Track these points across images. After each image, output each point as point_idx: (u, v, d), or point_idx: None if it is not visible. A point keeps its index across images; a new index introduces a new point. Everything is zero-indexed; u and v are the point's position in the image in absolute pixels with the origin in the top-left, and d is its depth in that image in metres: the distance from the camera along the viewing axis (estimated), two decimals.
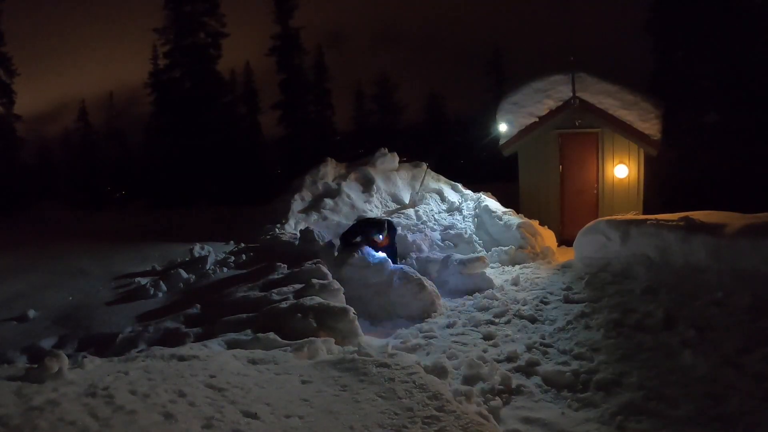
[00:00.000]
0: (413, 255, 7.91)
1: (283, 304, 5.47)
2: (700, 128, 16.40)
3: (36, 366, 3.27)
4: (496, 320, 5.70)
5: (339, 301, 5.69)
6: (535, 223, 9.37)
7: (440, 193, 11.01)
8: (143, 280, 7.09)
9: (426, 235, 8.92)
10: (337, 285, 5.94)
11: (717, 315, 4.59)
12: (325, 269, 6.42)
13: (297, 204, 10.29)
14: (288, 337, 4.68)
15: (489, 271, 7.50)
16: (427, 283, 6.37)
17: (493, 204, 10.00)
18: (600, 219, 7.46)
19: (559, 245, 9.50)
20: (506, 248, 8.59)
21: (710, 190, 14.08)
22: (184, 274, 7.14)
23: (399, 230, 8.09)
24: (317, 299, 5.46)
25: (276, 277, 6.64)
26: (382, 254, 6.76)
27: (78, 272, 7.68)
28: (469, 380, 4.22)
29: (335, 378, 3.66)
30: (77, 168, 34.50)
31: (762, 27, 15.99)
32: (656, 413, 3.55)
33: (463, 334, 5.40)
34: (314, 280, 5.92)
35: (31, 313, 6.05)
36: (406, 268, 6.64)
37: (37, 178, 31.15)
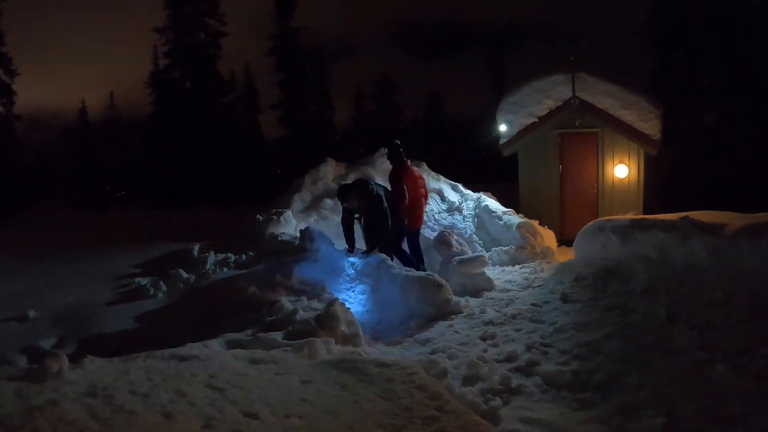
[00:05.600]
0: None
1: (284, 305, 5.48)
2: (700, 128, 16.40)
3: (36, 366, 3.27)
4: (496, 320, 5.70)
5: (339, 301, 5.69)
6: (535, 223, 9.37)
7: (440, 193, 11.00)
8: (143, 280, 7.08)
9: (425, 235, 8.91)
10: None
11: (717, 315, 4.58)
12: None
13: (297, 204, 10.28)
14: (288, 337, 4.69)
15: (489, 271, 7.51)
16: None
17: (493, 204, 10.00)
18: (600, 219, 7.46)
19: (559, 245, 9.49)
20: (506, 248, 8.59)
21: (710, 190, 14.08)
22: (184, 274, 7.13)
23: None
24: (317, 299, 5.47)
25: (276, 276, 6.63)
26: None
27: (78, 272, 7.67)
28: (469, 380, 4.22)
29: (335, 378, 3.66)
30: (77, 168, 34.48)
31: (762, 27, 15.99)
32: (656, 413, 3.55)
33: (462, 333, 5.41)
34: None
35: (31, 313, 6.04)
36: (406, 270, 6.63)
37: (37, 178, 31.15)
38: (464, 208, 10.35)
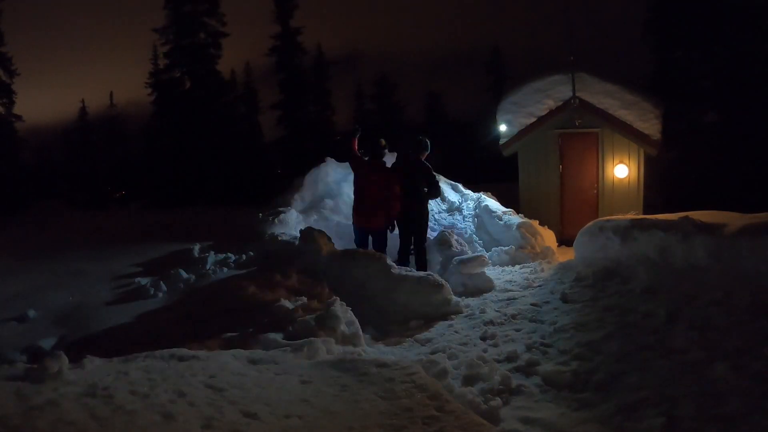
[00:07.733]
0: None
1: (284, 304, 5.48)
2: (700, 128, 16.40)
3: (36, 366, 3.27)
4: (496, 320, 5.70)
5: (339, 301, 5.69)
6: (535, 223, 9.37)
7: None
8: (143, 280, 7.08)
9: None
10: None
11: (717, 315, 4.58)
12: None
13: (297, 204, 10.28)
14: (288, 337, 4.69)
15: (489, 271, 7.51)
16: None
17: (493, 204, 10.00)
18: (600, 219, 7.46)
19: (559, 245, 9.50)
20: (506, 248, 8.59)
21: (710, 190, 14.07)
22: (184, 274, 7.13)
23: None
24: (317, 299, 5.47)
25: (276, 276, 6.63)
26: None
27: (78, 272, 7.67)
28: (469, 380, 4.22)
29: (335, 378, 3.66)
30: (77, 168, 34.48)
31: (762, 27, 15.98)
32: (656, 413, 3.54)
33: (462, 333, 5.41)
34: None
35: (31, 313, 6.04)
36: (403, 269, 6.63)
37: (37, 178, 31.16)
38: (464, 208, 10.35)
